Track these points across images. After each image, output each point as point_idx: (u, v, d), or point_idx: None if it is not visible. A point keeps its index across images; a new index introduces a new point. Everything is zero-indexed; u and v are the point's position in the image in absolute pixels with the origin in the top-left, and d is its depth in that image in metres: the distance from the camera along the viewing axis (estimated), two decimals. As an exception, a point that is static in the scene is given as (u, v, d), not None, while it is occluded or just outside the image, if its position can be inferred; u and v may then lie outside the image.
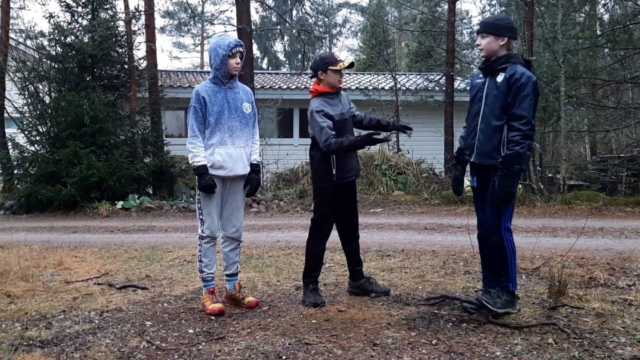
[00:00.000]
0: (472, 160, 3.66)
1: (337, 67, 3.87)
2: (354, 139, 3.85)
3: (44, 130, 12.19)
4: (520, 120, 3.39)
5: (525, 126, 3.39)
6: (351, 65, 3.95)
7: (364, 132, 3.99)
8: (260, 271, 5.17)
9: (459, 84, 16.27)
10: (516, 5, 16.48)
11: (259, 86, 15.83)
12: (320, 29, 25.15)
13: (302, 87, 16.99)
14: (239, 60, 3.86)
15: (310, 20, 23.10)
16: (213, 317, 3.71)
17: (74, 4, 12.64)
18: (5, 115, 13.65)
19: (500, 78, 3.51)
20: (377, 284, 4.31)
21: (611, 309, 3.76)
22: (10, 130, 13.55)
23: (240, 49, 3.85)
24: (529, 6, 12.44)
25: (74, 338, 3.33)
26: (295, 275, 4.97)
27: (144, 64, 13.21)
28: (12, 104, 13.27)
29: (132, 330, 3.46)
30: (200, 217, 3.89)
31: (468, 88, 3.88)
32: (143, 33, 13.56)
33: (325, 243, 4.15)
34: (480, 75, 3.69)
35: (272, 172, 13.53)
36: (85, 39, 12.38)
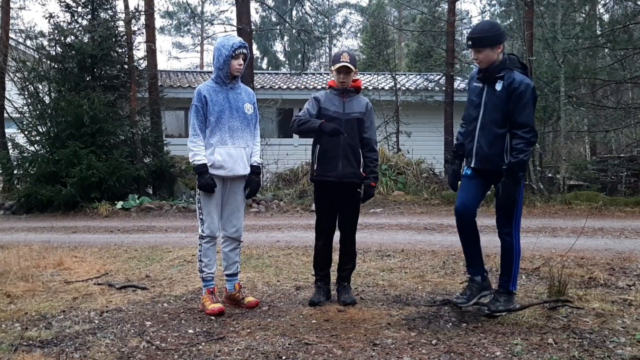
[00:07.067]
0: (472, 165, 3.69)
1: (333, 68, 3.99)
2: (313, 121, 3.86)
3: (43, 130, 12.20)
4: (524, 129, 3.45)
5: (529, 134, 3.45)
6: (343, 68, 3.92)
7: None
8: (260, 271, 5.17)
9: (458, 84, 16.27)
10: (516, 5, 16.47)
11: (258, 86, 15.83)
12: (320, 29, 25.14)
13: (302, 87, 16.98)
14: (242, 62, 3.86)
15: (310, 21, 23.05)
16: (213, 317, 3.71)
17: (74, 4, 12.65)
18: (5, 115, 13.66)
19: (499, 86, 3.53)
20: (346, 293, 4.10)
21: (611, 309, 3.76)
22: (10, 130, 13.55)
23: (244, 51, 3.85)
24: (529, 6, 12.43)
25: (74, 338, 3.32)
26: (295, 275, 4.98)
27: (143, 64, 13.22)
28: (12, 104, 13.28)
29: (132, 330, 3.46)
30: (200, 216, 3.89)
31: (467, 87, 3.91)
32: (143, 33, 13.58)
33: (325, 242, 4.13)
34: (478, 78, 3.71)
35: (272, 172, 13.54)
36: (85, 39, 12.39)
